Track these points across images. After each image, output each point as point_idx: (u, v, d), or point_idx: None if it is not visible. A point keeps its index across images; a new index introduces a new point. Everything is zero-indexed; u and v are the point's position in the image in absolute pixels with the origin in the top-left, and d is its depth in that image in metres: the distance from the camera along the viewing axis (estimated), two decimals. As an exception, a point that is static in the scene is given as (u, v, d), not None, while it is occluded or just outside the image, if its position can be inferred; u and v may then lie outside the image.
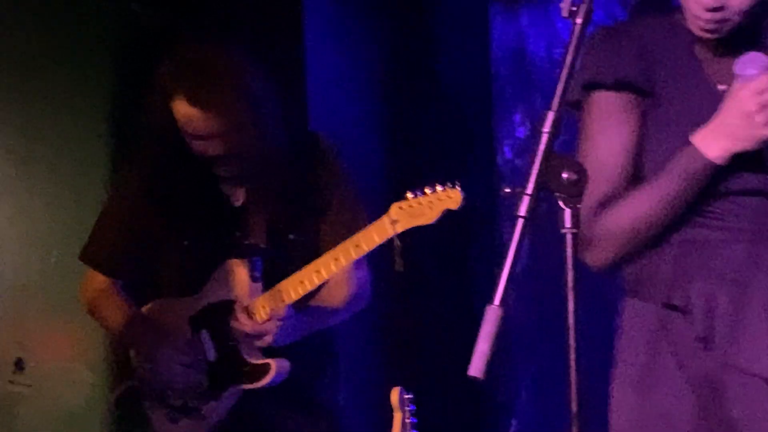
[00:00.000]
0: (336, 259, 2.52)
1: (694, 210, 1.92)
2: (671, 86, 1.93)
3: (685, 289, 1.91)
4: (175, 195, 2.72)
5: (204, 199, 2.75)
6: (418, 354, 3.85)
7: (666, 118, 1.94)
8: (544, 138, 1.63)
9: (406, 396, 3.01)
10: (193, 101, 2.55)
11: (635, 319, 2.05)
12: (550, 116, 1.62)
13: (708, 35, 1.88)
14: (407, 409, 3.04)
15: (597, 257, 1.97)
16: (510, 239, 1.64)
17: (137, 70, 3.72)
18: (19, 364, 3.52)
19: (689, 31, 1.91)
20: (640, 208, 1.93)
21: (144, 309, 2.79)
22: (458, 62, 3.97)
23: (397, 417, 3.03)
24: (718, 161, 1.80)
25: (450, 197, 2.48)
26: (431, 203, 2.45)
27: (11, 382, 3.49)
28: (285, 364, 2.61)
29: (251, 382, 2.63)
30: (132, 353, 2.79)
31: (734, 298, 1.88)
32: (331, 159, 2.75)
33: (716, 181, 1.89)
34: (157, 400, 2.70)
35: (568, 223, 1.67)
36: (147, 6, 3.80)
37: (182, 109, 2.59)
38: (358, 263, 2.69)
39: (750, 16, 1.89)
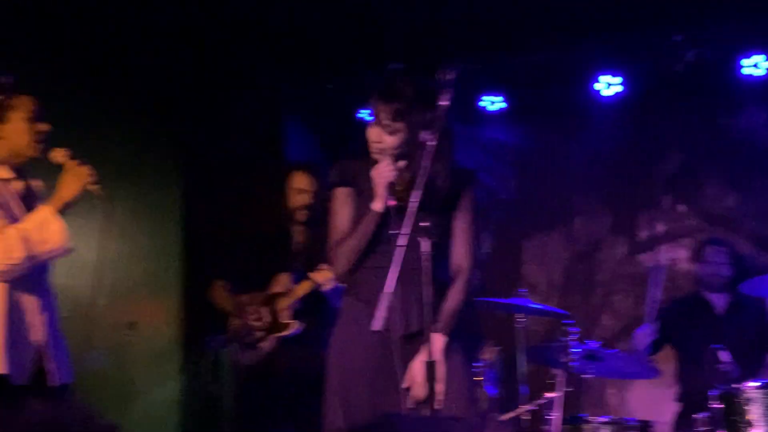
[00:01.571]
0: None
1: (372, 251, 3.04)
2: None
3: (375, 292, 2.89)
4: None
5: None
6: None
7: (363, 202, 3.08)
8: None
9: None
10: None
11: (350, 308, 3.15)
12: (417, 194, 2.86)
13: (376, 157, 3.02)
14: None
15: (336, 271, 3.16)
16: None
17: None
18: (131, 325, 5.42)
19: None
20: (350, 245, 3.05)
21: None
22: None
23: None
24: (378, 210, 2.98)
25: None
26: None
27: (126, 335, 5.36)
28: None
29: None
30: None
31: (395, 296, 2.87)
32: None
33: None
34: (239, 341, 4.74)
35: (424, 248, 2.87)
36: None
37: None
38: None
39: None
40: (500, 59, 5.72)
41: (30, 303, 3.38)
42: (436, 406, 2.94)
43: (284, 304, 4.65)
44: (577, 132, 6.08)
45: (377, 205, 3.02)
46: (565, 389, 4.28)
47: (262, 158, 5.64)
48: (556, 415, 4.23)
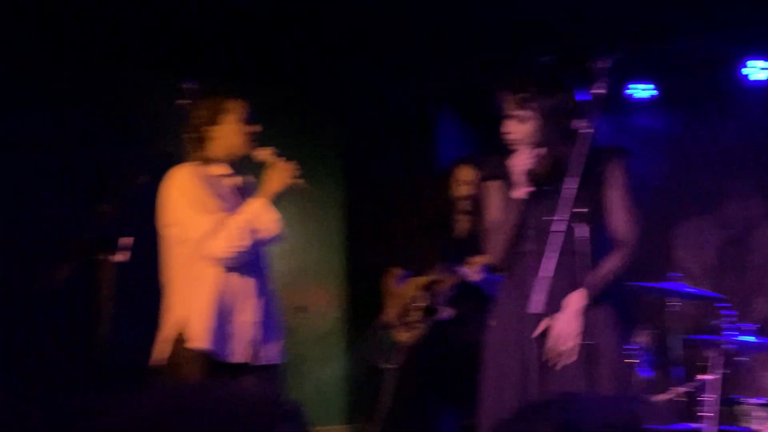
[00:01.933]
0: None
1: (521, 237, 3.14)
2: None
3: (525, 275, 3.12)
4: None
5: None
6: None
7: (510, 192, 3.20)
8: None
9: None
10: None
11: (504, 292, 3.31)
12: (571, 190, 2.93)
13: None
14: None
15: (491, 259, 3.38)
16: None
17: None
18: (301, 308, 5.80)
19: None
20: (499, 233, 3.26)
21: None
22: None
23: None
24: None
25: None
26: None
27: (297, 318, 5.70)
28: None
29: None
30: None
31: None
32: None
33: None
34: (399, 323, 5.07)
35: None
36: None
37: None
38: None
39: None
40: (650, 47, 5.76)
41: (244, 285, 3.61)
42: (568, 359, 3.05)
43: (440, 290, 4.98)
44: (726, 117, 6.08)
45: (517, 193, 3.11)
46: (720, 371, 4.33)
47: (422, 151, 5.85)
48: (710, 397, 4.28)
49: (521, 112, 3.11)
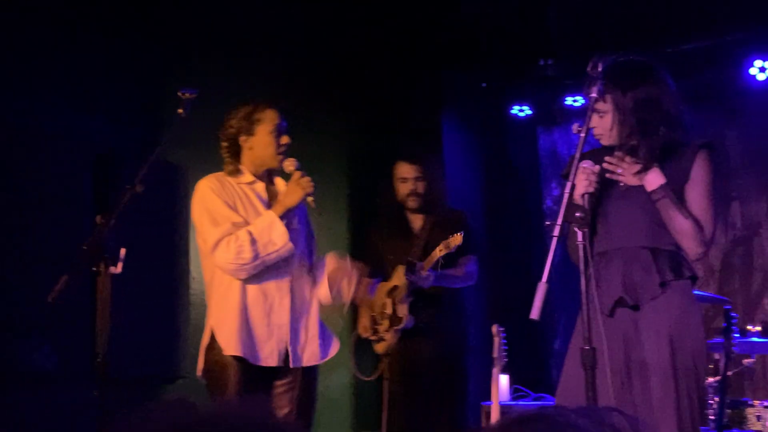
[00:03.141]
0: (441, 250, 4.50)
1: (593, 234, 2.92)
2: None
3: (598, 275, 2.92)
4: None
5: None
6: (504, 308, 5.58)
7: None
8: (566, 196, 2.67)
9: (500, 329, 4.37)
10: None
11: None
12: (568, 185, 2.69)
13: None
14: (501, 336, 4.37)
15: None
16: (550, 247, 2.63)
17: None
18: None
19: None
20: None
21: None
22: (519, 159, 6.37)
23: (496, 341, 4.36)
24: None
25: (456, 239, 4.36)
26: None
27: None
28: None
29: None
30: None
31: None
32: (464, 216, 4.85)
33: None
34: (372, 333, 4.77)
35: (580, 239, 2.65)
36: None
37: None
38: (469, 258, 4.65)
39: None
40: (653, 48, 5.75)
41: (277, 287, 3.60)
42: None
43: (399, 296, 4.68)
44: (732, 117, 6.07)
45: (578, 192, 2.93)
46: (727, 373, 4.32)
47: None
48: (718, 399, 4.29)
49: (598, 106, 3.05)
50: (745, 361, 4.44)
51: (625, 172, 2.97)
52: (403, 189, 4.87)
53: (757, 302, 5.88)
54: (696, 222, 2.98)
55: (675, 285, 3.00)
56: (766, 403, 4.22)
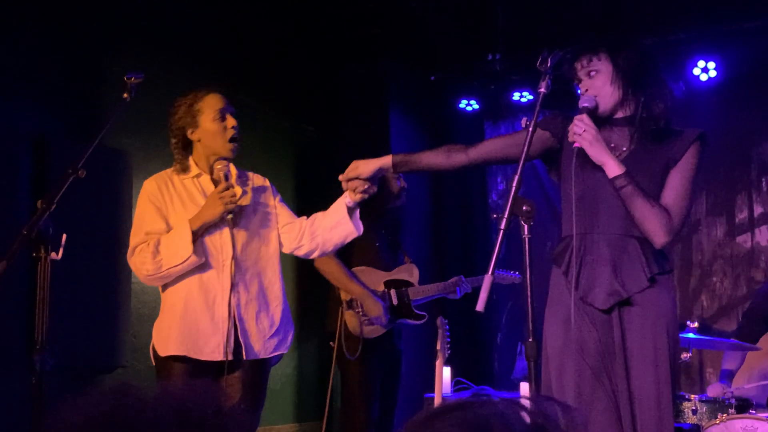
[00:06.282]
0: None
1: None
2: None
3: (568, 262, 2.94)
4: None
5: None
6: (448, 301, 5.08)
7: None
8: (513, 190, 2.56)
9: (444, 321, 4.50)
10: None
11: (555, 278, 3.03)
12: (516, 178, 2.61)
13: None
14: (445, 328, 4.48)
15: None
16: (496, 240, 2.51)
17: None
18: None
19: None
20: None
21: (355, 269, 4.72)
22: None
23: (440, 333, 4.49)
24: None
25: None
26: None
27: None
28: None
29: (412, 320, 4.96)
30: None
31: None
32: None
33: None
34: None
35: (526, 232, 2.63)
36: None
37: None
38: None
39: None
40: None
41: (216, 282, 3.43)
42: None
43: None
44: (676, 117, 6.13)
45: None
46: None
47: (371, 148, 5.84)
48: None
49: (589, 65, 3.03)
50: (683, 355, 4.48)
51: (585, 134, 2.93)
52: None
53: (695, 298, 5.97)
54: (663, 210, 2.96)
55: (660, 278, 3.01)
56: (702, 397, 4.27)
